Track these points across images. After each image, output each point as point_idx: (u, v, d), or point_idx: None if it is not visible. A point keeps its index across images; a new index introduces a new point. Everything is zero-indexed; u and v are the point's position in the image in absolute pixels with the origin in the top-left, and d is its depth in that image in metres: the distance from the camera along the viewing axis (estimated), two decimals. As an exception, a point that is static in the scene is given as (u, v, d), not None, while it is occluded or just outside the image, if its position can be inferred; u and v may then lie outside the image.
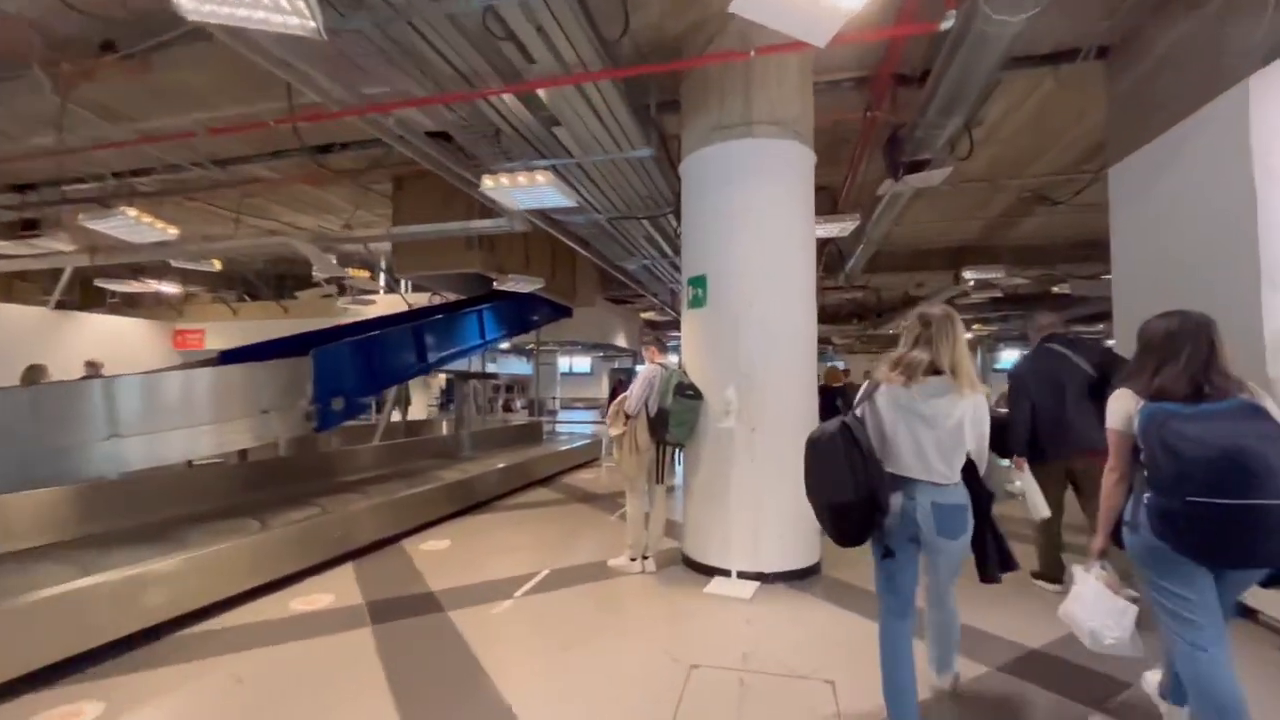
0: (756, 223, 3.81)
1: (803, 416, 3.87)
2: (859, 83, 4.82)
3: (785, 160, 3.90)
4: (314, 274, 9.57)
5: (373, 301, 12.13)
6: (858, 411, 2.10)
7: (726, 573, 3.72)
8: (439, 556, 4.42)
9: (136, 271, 12.07)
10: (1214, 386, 1.73)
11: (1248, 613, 2.85)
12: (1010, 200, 8.34)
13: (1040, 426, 3.18)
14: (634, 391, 3.86)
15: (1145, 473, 1.78)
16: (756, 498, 3.71)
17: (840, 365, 9.80)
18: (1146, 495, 1.76)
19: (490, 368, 31.22)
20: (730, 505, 3.71)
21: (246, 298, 15.38)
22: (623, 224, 6.79)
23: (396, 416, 13.33)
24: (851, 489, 1.93)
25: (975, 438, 2.04)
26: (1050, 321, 3.62)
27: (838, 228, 6.35)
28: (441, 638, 3.00)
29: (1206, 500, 1.60)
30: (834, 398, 8.50)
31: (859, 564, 4.02)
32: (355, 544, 4.37)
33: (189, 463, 5.19)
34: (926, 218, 8.84)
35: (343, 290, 13.06)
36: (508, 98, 3.98)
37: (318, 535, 4.03)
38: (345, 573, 4.00)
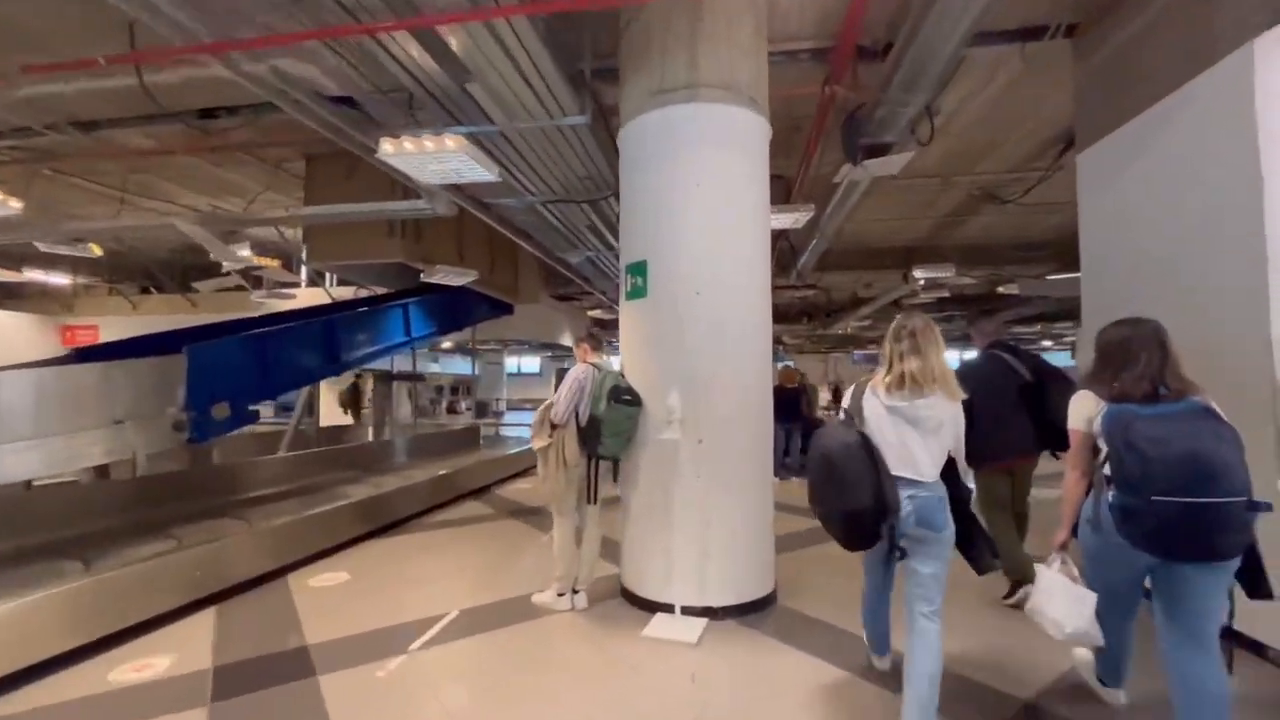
0: (704, 200, 3.29)
1: (757, 424, 3.37)
2: (817, 54, 4.38)
3: (737, 130, 3.39)
4: (221, 263, 8.50)
5: (292, 296, 11.07)
6: (858, 418, 2.19)
7: (669, 608, 3.18)
8: (330, 595, 3.70)
9: (19, 260, 10.60)
10: (1169, 389, 1.84)
11: (1258, 648, 2.52)
12: (960, 198, 8.24)
13: (982, 430, 3.00)
14: (561, 396, 3.27)
15: (1107, 471, 1.85)
16: (703, 520, 3.18)
17: (791, 365, 9.48)
18: (1110, 493, 1.83)
19: (433, 368, 29.91)
20: (673, 530, 3.17)
21: (153, 290, 13.90)
22: (562, 210, 6.18)
23: (350, 420, 12.23)
24: (870, 496, 2.02)
25: (954, 438, 2.16)
26: (994, 329, 3.77)
27: (791, 218, 5.94)
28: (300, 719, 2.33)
29: (1171, 499, 1.68)
30: (792, 400, 8.21)
31: (818, 589, 3.58)
32: (227, 582, 3.59)
33: (28, 484, 4.27)
34: (877, 215, 8.66)
35: (258, 283, 11.91)
36: (412, 48, 3.32)
37: (166, 577, 3.25)
38: (202, 622, 3.24)
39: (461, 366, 28.25)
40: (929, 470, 2.08)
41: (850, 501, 2.03)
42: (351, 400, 12.68)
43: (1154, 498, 1.70)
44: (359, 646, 2.93)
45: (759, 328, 3.44)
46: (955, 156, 6.61)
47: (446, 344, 21.92)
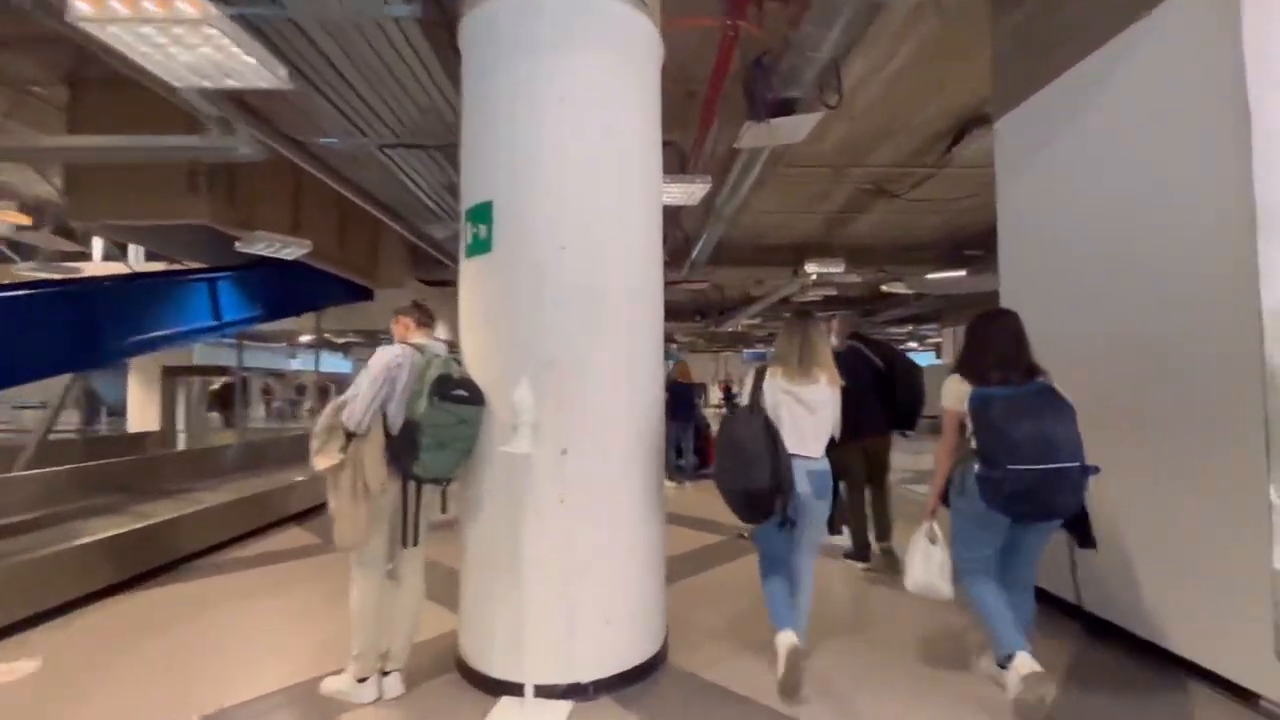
0: (573, 121, 2.39)
1: (644, 426, 2.52)
2: (719, -20, 3.65)
3: (620, 31, 2.52)
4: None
5: (78, 269, 8.83)
6: (763, 401, 2.44)
7: (518, 689, 2.25)
8: (-13, 702, 2.37)
9: None
10: (1020, 372, 2.21)
11: (1246, 696, 2.08)
12: (850, 192, 8.12)
13: (845, 413, 3.28)
14: (360, 392, 2.23)
15: (973, 446, 2.20)
16: (569, 564, 2.29)
17: (684, 361, 8.92)
18: (976, 466, 2.17)
19: (293, 364, 26.67)
20: (525, 581, 2.24)
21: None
22: (413, 165, 5.02)
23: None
24: (768, 477, 2.26)
25: (832, 418, 2.53)
26: (854, 322, 4.30)
27: (687, 191, 5.26)
28: None
29: (1022, 468, 2.01)
30: (690, 397, 7.74)
31: (715, 636, 2.81)
32: None
33: None
34: (770, 208, 8.39)
35: (33, 253, 9.39)
36: None
37: None
38: None
39: (332, 363, 25.46)
40: (816, 446, 2.45)
41: (752, 481, 2.25)
42: (223, 401, 10.79)
43: (1010, 467, 2.02)
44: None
45: (647, 296, 2.60)
46: (850, 144, 6.32)
47: (306, 337, 19.38)
